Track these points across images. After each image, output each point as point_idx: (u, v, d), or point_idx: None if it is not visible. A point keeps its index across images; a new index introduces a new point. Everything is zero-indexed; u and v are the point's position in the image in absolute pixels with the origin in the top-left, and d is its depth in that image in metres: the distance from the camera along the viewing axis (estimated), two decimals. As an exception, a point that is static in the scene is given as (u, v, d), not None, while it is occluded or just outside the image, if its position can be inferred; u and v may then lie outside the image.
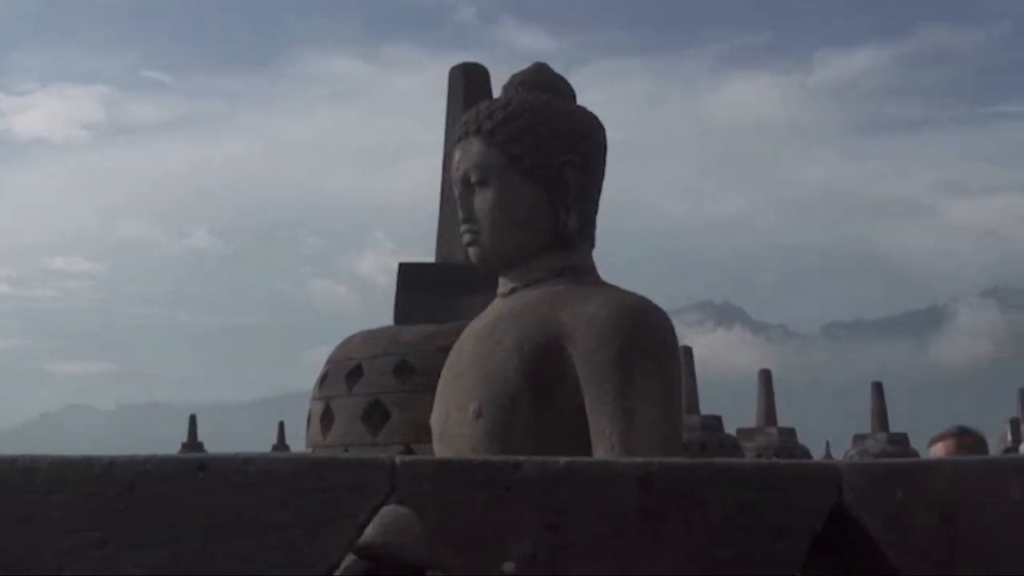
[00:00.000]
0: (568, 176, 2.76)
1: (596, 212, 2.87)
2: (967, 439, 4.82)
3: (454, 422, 2.73)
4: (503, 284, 2.87)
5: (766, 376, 23.02)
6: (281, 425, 28.12)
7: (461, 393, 2.72)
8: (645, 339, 2.54)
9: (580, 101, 2.88)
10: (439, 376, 2.78)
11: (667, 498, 1.53)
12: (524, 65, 2.95)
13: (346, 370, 7.59)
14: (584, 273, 2.80)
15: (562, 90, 2.90)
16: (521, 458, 1.54)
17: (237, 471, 1.54)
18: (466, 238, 2.84)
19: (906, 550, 1.56)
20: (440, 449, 2.79)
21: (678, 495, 1.54)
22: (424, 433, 8.42)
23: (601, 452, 2.50)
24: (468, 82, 8.32)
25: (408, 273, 7.91)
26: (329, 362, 7.87)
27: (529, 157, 2.74)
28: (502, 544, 1.51)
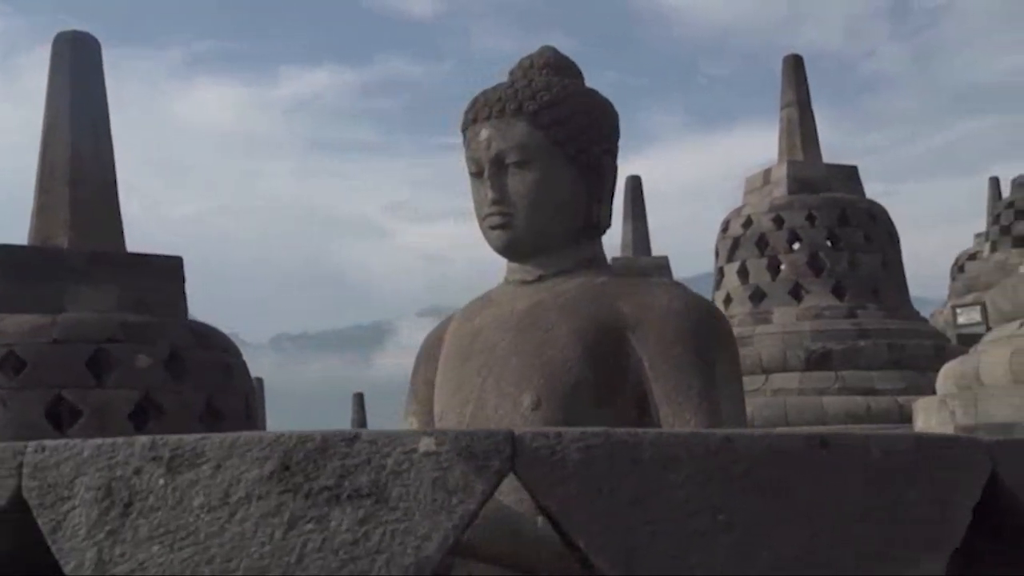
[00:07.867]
0: (606, 165, 2.72)
1: None
2: None
3: (498, 413, 2.56)
4: (523, 271, 2.73)
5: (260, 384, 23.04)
6: None
7: (506, 383, 2.57)
8: (723, 334, 2.58)
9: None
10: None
11: None
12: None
13: (-66, 362, 6.51)
14: (606, 264, 2.77)
15: (580, 75, 2.85)
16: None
17: (860, 447, 1.42)
18: (495, 220, 2.68)
19: None
20: None
21: None
22: (37, 433, 7.48)
23: None
24: (76, 51, 7.55)
25: (6, 256, 6.98)
26: (-96, 352, 6.71)
27: (574, 143, 2.67)
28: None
